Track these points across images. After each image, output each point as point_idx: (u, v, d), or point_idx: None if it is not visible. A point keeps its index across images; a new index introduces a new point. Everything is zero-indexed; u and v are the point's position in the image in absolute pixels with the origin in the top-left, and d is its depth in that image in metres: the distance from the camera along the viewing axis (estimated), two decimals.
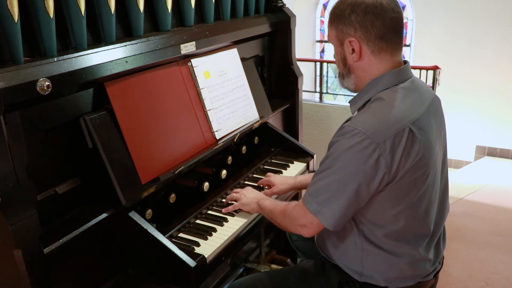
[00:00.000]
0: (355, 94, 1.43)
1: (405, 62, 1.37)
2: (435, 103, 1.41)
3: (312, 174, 1.93)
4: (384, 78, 1.31)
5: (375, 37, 1.28)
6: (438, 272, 1.49)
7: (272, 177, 1.88)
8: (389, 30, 1.28)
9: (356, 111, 1.39)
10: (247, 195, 1.70)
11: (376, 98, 1.30)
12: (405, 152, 1.23)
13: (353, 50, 1.31)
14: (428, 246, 1.40)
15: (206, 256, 1.48)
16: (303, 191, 1.85)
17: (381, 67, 1.32)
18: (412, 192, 1.29)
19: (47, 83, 1.20)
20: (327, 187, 1.28)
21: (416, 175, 1.27)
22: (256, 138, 2.17)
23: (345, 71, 1.38)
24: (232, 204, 1.74)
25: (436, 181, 1.37)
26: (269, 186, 1.88)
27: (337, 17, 1.32)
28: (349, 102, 1.44)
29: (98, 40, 1.52)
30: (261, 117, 2.08)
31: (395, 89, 1.30)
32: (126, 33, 1.62)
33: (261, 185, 1.91)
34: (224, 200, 1.83)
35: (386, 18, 1.26)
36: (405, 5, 6.09)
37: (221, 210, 1.75)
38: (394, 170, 1.23)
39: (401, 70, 1.33)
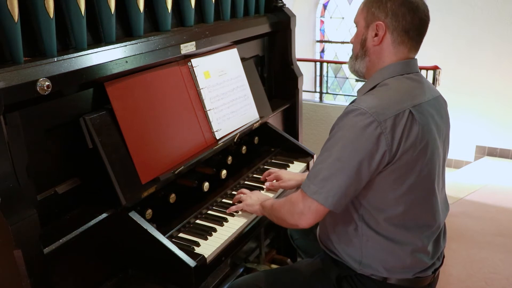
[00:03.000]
0: (355, 96, 1.46)
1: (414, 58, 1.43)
2: (440, 101, 1.45)
3: None
4: (391, 67, 1.38)
5: (401, 29, 1.34)
6: (437, 269, 1.49)
7: (280, 172, 1.90)
8: (415, 28, 1.35)
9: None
10: (253, 196, 1.71)
11: (381, 85, 1.36)
12: (405, 132, 1.27)
13: (376, 34, 1.36)
14: (427, 237, 1.41)
15: (206, 256, 1.48)
16: None
17: (395, 58, 1.38)
18: (412, 175, 1.32)
19: (47, 83, 1.20)
20: (327, 167, 1.29)
21: (415, 155, 1.29)
22: (256, 138, 2.17)
23: (360, 53, 1.43)
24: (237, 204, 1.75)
25: (437, 173, 1.39)
26: (277, 180, 1.90)
27: (373, 0, 1.37)
28: (357, 92, 1.49)
29: (98, 40, 1.52)
30: (261, 117, 2.08)
31: (400, 78, 1.37)
32: (126, 33, 1.62)
33: (267, 179, 1.92)
34: (224, 200, 1.83)
35: (417, 17, 1.34)
36: None
37: (221, 210, 1.75)
38: (394, 149, 1.26)
39: (409, 62, 1.39)
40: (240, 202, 1.74)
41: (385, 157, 1.27)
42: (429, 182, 1.36)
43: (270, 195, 1.87)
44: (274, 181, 1.90)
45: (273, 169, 1.94)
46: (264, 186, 1.92)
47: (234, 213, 1.73)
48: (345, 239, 1.44)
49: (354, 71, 1.47)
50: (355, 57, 1.45)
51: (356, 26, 1.44)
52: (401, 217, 1.35)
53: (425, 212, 1.39)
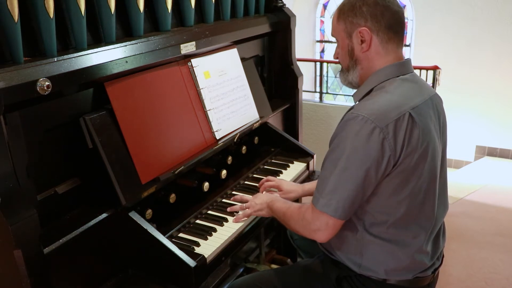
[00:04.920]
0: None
1: (407, 59, 1.42)
2: (436, 100, 1.44)
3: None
4: (386, 69, 1.37)
5: (385, 27, 1.33)
6: (437, 269, 1.49)
7: (279, 181, 1.85)
8: (396, 22, 1.35)
9: (358, 101, 1.42)
10: (256, 201, 1.67)
11: (377, 88, 1.35)
12: (407, 135, 1.26)
13: (362, 40, 1.35)
14: (426, 238, 1.41)
15: (206, 256, 1.48)
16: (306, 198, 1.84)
17: (387, 58, 1.37)
18: (414, 178, 1.31)
19: (47, 83, 1.20)
20: (334, 178, 1.28)
21: (416, 159, 1.29)
22: (256, 138, 2.17)
23: (351, 64, 1.41)
24: (237, 208, 1.72)
25: (437, 173, 1.39)
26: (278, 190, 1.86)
27: (347, 10, 1.36)
28: (352, 96, 1.47)
29: (98, 40, 1.52)
30: (261, 117, 2.08)
31: (395, 80, 1.36)
32: (126, 33, 1.62)
33: (269, 188, 1.86)
34: (224, 200, 1.83)
35: (393, 10, 1.34)
36: (405, 5, 6.09)
37: (221, 210, 1.75)
38: (398, 154, 1.26)
39: (403, 63, 1.39)
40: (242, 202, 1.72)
41: (390, 162, 1.26)
42: (430, 183, 1.36)
43: None
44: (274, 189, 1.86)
45: (272, 178, 1.88)
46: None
47: (235, 213, 1.72)
48: (344, 243, 1.43)
49: (348, 83, 1.45)
50: (346, 69, 1.43)
51: (337, 40, 1.43)
52: (402, 219, 1.35)
53: (425, 213, 1.39)
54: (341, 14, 1.38)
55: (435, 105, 1.41)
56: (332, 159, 1.30)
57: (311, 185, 1.86)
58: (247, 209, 1.68)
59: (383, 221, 1.35)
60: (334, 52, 1.48)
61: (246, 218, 1.69)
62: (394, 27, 1.34)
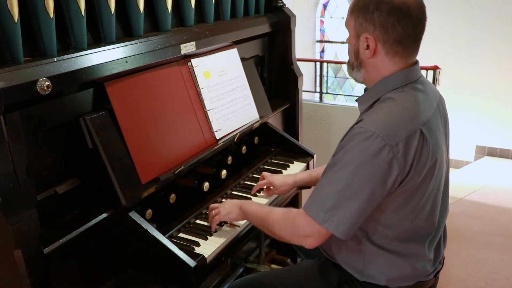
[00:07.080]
0: (355, 95, 1.43)
1: (415, 62, 1.36)
2: (441, 103, 1.42)
3: (311, 170, 1.91)
4: (394, 78, 1.30)
5: (393, 41, 1.25)
6: (438, 272, 1.49)
7: (271, 178, 1.84)
8: (408, 37, 1.25)
9: (364, 110, 1.36)
10: (225, 206, 1.60)
11: (386, 98, 1.29)
12: (417, 154, 1.22)
13: (367, 46, 1.28)
14: (429, 246, 1.40)
15: (206, 256, 1.48)
16: (303, 192, 1.85)
17: (393, 68, 1.30)
18: (419, 194, 1.29)
19: (47, 83, 1.20)
20: (337, 194, 1.23)
21: (424, 175, 1.26)
22: (256, 138, 2.17)
23: (356, 63, 1.35)
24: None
25: (441, 185, 1.38)
26: (268, 187, 1.87)
27: (359, 9, 1.26)
28: (356, 100, 1.42)
29: (98, 40, 1.52)
30: (261, 117, 2.08)
31: (405, 90, 1.29)
32: (126, 33, 1.62)
33: (261, 187, 1.88)
34: (224, 200, 1.82)
35: (409, 24, 1.23)
36: None
37: None
38: (406, 172, 1.22)
39: (411, 70, 1.31)
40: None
41: (397, 181, 1.22)
42: (435, 195, 1.35)
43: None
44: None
45: (265, 174, 1.87)
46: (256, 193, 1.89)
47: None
48: (347, 252, 1.41)
49: (351, 76, 1.40)
50: (351, 66, 1.37)
51: (347, 30, 1.36)
52: (405, 233, 1.33)
53: (429, 224, 1.37)
54: (354, 10, 1.28)
55: (441, 111, 1.38)
56: (335, 172, 1.24)
57: (303, 175, 1.83)
58: (216, 216, 1.59)
59: (386, 234, 1.33)
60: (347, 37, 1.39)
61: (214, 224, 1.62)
62: (404, 42, 1.25)
